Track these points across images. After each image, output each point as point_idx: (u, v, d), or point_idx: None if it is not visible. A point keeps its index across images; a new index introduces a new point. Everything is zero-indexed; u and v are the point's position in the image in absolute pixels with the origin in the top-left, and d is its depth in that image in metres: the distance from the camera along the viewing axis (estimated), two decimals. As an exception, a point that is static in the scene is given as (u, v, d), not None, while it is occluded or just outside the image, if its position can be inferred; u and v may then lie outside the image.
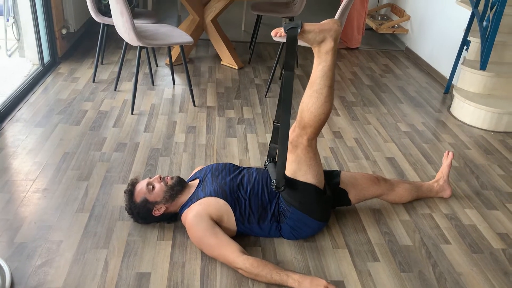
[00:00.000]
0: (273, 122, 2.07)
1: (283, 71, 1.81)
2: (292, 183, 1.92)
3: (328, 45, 1.80)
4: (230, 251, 1.82)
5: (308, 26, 1.77)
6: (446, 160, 2.44)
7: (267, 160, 2.12)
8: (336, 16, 3.25)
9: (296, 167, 1.90)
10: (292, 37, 1.77)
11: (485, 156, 2.93)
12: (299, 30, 1.75)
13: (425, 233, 2.17)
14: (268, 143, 2.85)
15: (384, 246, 2.06)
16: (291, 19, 4.15)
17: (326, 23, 1.80)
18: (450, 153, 2.45)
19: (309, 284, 1.74)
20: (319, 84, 1.82)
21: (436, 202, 2.40)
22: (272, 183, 1.92)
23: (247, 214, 1.96)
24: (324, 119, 1.86)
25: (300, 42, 3.22)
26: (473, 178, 2.66)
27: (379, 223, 2.21)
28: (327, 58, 1.81)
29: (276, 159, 1.92)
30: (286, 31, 1.77)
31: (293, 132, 1.89)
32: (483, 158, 2.89)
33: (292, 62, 1.80)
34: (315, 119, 1.84)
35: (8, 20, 3.75)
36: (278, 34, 1.81)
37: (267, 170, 2.11)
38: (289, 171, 1.92)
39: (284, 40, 3.30)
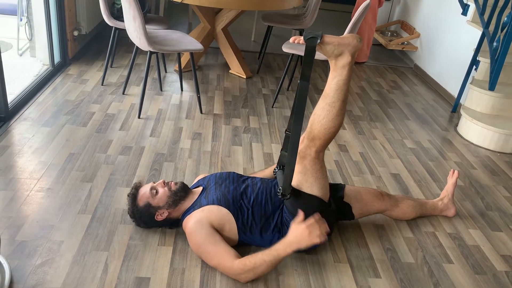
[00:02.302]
0: (285, 130, 2.07)
1: (299, 81, 1.81)
2: (297, 195, 1.91)
3: (345, 59, 1.80)
4: (227, 260, 1.80)
5: (327, 38, 1.78)
6: (451, 179, 2.43)
7: (277, 168, 2.11)
8: (347, 30, 3.26)
9: (302, 178, 1.89)
10: (310, 47, 1.77)
11: (491, 176, 2.91)
12: (318, 40, 1.75)
13: (427, 251, 2.15)
14: (274, 154, 2.85)
15: (386, 263, 2.04)
16: (301, 31, 4.17)
17: (346, 37, 1.80)
18: (456, 172, 2.43)
19: (294, 238, 1.76)
20: (333, 98, 1.82)
21: (440, 221, 2.38)
22: (278, 190, 1.91)
23: (249, 224, 1.95)
24: (334, 133, 1.86)
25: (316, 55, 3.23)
26: (478, 198, 2.64)
27: (382, 239, 2.20)
28: (343, 72, 1.81)
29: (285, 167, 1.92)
30: (306, 40, 1.77)
31: (302, 143, 1.89)
32: (488, 179, 2.87)
33: (308, 72, 1.79)
34: (325, 131, 1.84)
35: (21, 19, 3.79)
36: (297, 41, 1.81)
37: (272, 180, 2.10)
38: (295, 182, 1.91)
39: (295, 51, 3.32)
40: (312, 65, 1.80)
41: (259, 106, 3.54)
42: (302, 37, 1.79)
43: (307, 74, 1.80)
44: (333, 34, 1.84)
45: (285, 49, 3.42)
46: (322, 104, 1.84)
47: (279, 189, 1.91)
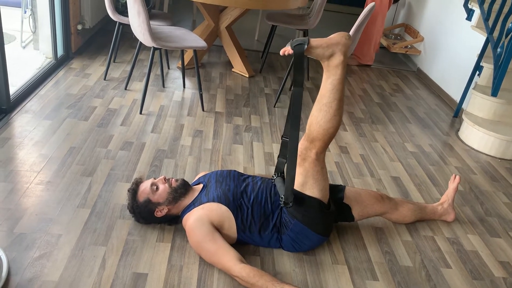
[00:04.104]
0: (282, 136, 2.06)
1: (292, 87, 1.80)
2: (297, 196, 1.91)
3: (337, 59, 1.79)
4: (228, 259, 1.80)
5: (315, 42, 1.77)
6: (452, 184, 2.42)
7: (275, 174, 2.11)
8: (351, 32, 3.26)
9: (303, 180, 1.89)
10: (298, 54, 1.76)
11: (491, 182, 2.90)
12: (305, 46, 1.75)
13: (426, 255, 2.15)
14: (274, 153, 2.84)
15: (384, 266, 2.04)
16: (305, 32, 4.17)
17: (334, 37, 1.80)
18: (457, 177, 2.43)
19: None
20: (329, 98, 1.81)
21: (439, 225, 2.38)
22: (280, 199, 1.90)
23: (248, 222, 1.94)
24: (333, 133, 1.85)
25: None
26: (478, 204, 2.64)
27: (381, 242, 2.20)
28: (337, 71, 1.80)
29: (285, 174, 1.91)
30: (293, 47, 1.76)
31: (302, 145, 1.88)
32: (488, 185, 2.87)
33: (300, 78, 1.79)
34: (323, 132, 1.83)
35: (25, 12, 3.79)
36: (286, 52, 1.79)
37: (272, 181, 2.09)
38: (295, 184, 1.91)
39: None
40: (303, 71, 1.79)
41: (261, 106, 3.54)
42: (289, 48, 1.77)
43: (299, 80, 1.79)
44: (331, 35, 1.82)
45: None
46: (319, 105, 1.83)
47: (281, 197, 1.90)
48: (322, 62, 1.83)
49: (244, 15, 3.97)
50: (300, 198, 1.90)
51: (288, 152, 1.84)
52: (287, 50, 1.78)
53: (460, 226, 2.40)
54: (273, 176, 2.12)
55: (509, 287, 2.02)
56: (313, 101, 3.75)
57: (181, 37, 3.17)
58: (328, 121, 1.82)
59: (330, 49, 1.78)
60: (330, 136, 1.85)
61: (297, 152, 1.85)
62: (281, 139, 2.07)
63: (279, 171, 2.11)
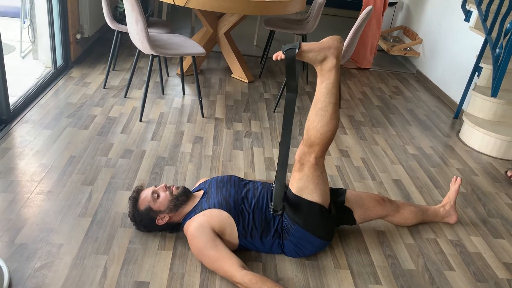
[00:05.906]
0: (279, 143, 2.06)
1: (285, 93, 1.80)
2: (297, 201, 1.90)
3: (330, 63, 1.79)
4: (230, 265, 1.80)
5: (306, 46, 1.77)
6: (453, 185, 2.41)
7: (274, 183, 2.10)
8: (349, 35, 3.26)
9: (303, 185, 1.88)
10: (290, 58, 1.76)
11: (493, 183, 2.89)
12: (296, 50, 1.75)
13: (429, 258, 2.14)
14: (275, 159, 2.84)
15: (386, 269, 2.03)
16: (304, 36, 4.17)
17: (326, 41, 1.80)
18: (458, 178, 2.42)
19: None
20: (324, 102, 1.81)
21: (441, 227, 2.37)
22: (270, 206, 1.91)
23: (250, 228, 1.94)
24: (330, 137, 1.85)
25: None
26: (480, 205, 2.63)
27: (383, 245, 2.19)
28: (330, 75, 1.80)
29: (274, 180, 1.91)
30: (284, 52, 1.76)
31: (300, 150, 1.88)
32: (490, 186, 2.86)
33: (293, 83, 1.79)
34: (321, 136, 1.83)
35: (24, 22, 3.80)
36: (279, 57, 1.80)
37: (272, 188, 2.08)
38: (295, 189, 1.91)
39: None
40: (295, 76, 1.79)
41: (261, 111, 3.54)
42: (281, 53, 1.78)
43: (292, 86, 1.79)
44: (323, 39, 1.82)
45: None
46: (315, 110, 1.83)
47: (271, 205, 1.90)
48: (315, 66, 1.83)
49: (242, 21, 3.98)
50: (300, 204, 1.90)
51: (279, 158, 1.85)
52: (279, 55, 1.79)
53: (462, 228, 2.39)
54: (273, 183, 2.11)
55: (513, 288, 2.01)
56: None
57: (179, 44, 3.18)
58: (325, 125, 1.82)
59: (322, 53, 1.78)
60: (328, 140, 1.85)
61: (287, 159, 1.87)
62: (279, 145, 2.06)
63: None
